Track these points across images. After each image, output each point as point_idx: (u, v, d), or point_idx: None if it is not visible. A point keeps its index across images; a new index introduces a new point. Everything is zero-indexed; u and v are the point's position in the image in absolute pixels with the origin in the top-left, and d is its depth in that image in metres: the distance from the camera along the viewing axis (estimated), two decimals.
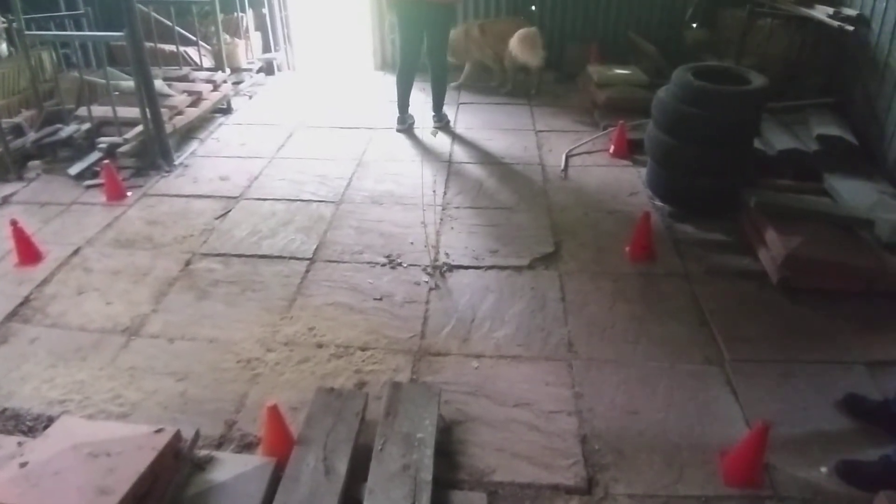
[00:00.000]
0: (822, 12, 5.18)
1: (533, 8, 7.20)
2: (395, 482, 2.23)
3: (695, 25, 7.00)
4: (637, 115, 5.45)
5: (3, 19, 6.13)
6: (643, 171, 4.79)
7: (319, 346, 3.13)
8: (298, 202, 4.54)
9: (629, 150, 5.17)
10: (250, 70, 7.27)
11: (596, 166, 5.05)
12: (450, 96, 6.67)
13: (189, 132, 5.73)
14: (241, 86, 6.94)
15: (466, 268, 3.73)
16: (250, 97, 6.84)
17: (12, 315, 3.42)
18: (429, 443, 2.38)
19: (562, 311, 3.36)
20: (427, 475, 2.25)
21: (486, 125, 5.95)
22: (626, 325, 3.26)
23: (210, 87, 6.05)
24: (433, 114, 5.88)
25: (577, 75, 6.97)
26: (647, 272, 3.69)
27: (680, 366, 2.99)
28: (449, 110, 6.25)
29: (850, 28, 4.87)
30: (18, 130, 5.32)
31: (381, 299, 3.47)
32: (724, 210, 4.18)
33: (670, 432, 2.63)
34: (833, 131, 4.72)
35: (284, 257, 3.88)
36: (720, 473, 2.45)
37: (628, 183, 4.75)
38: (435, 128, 5.82)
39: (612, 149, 5.23)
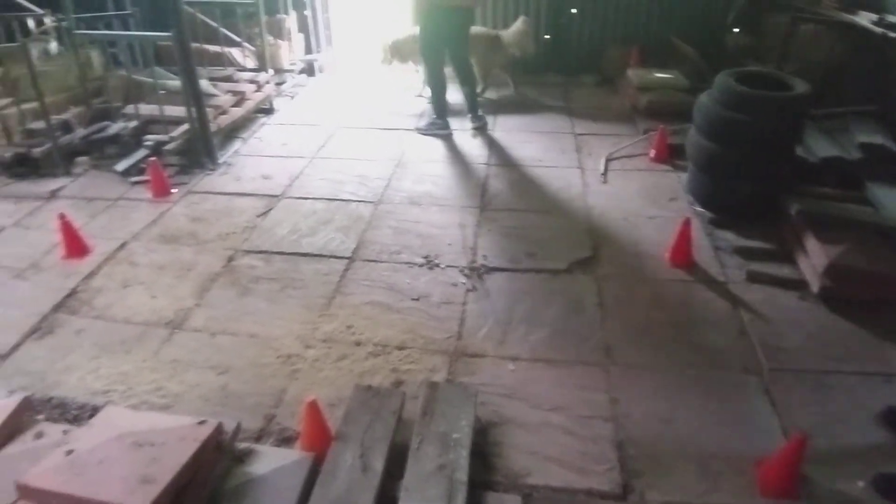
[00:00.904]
0: (865, 19, 5.06)
1: (573, 11, 7.16)
2: (430, 481, 2.25)
3: (736, 30, 6.90)
4: (678, 119, 5.39)
5: (54, 18, 6.34)
6: (684, 176, 4.74)
7: (357, 344, 3.17)
8: (338, 202, 4.59)
9: (670, 154, 5.11)
10: (292, 71, 7.38)
11: (636, 171, 5.01)
12: (487, 98, 6.71)
13: (232, 131, 5.84)
14: (284, 86, 7.05)
15: (503, 270, 3.73)
16: (292, 98, 6.94)
17: (59, 306, 3.53)
18: (465, 443, 2.39)
19: (599, 316, 3.34)
20: (463, 475, 2.26)
21: (524, 128, 5.94)
22: (664, 332, 3.22)
23: (253, 87, 6.16)
24: (470, 115, 5.90)
25: (616, 79, 6.92)
26: (686, 278, 3.65)
27: (718, 374, 2.95)
28: (487, 113, 6.27)
29: (894, 35, 4.75)
30: (67, 127, 5.49)
31: (418, 299, 3.49)
32: (765, 217, 4.11)
33: (706, 440, 2.60)
34: (876, 139, 4.60)
35: (324, 256, 3.93)
36: (756, 483, 2.41)
37: (668, 188, 4.69)
38: (474, 129, 5.83)
39: (652, 153, 5.18)
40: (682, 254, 3.75)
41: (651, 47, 7.08)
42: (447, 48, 5.58)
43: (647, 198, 4.56)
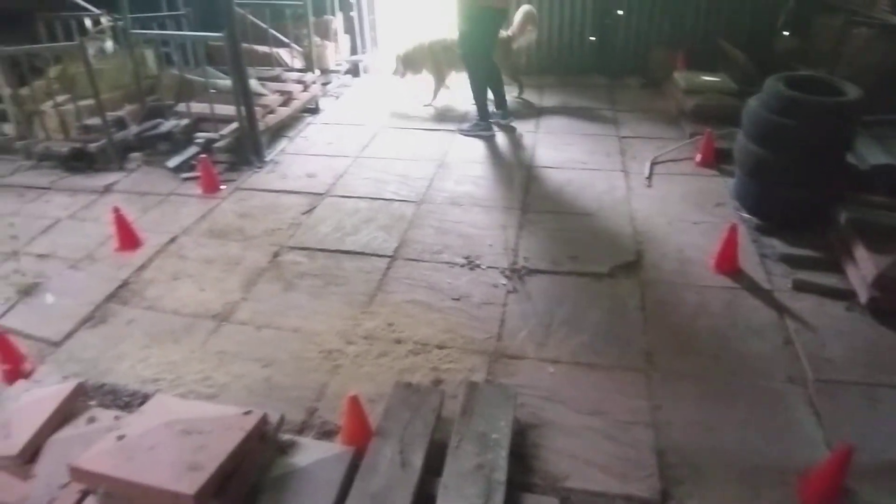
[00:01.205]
0: None
1: (619, 12, 7.10)
2: (469, 480, 2.26)
3: (786, 33, 6.74)
4: (725, 123, 5.31)
5: (110, 18, 6.55)
6: (730, 181, 4.66)
7: (398, 341, 3.20)
8: (381, 201, 4.64)
9: (716, 159, 5.03)
10: (338, 72, 7.49)
11: (681, 175, 4.94)
12: (532, 99, 6.70)
13: (279, 130, 5.96)
14: (329, 87, 7.16)
15: (545, 272, 3.73)
16: (337, 98, 7.03)
17: (112, 297, 3.66)
18: (504, 444, 2.40)
19: (641, 322, 3.31)
20: (501, 476, 2.27)
21: (567, 130, 5.92)
22: (708, 339, 3.18)
23: (300, 87, 6.27)
24: (500, 111, 5.94)
25: (662, 81, 6.84)
26: (731, 286, 3.58)
27: (762, 383, 2.90)
28: (530, 114, 6.28)
29: None
30: (121, 123, 5.68)
31: (458, 299, 3.51)
32: (813, 225, 4.01)
33: (748, 450, 2.56)
34: None
35: (366, 254, 3.98)
36: (797, 496, 2.36)
37: (714, 193, 4.62)
38: (504, 125, 5.87)
39: (698, 157, 5.10)
40: (728, 260, 3.69)
41: (698, 50, 6.97)
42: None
43: (693, 202, 4.50)
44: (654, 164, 5.09)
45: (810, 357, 3.02)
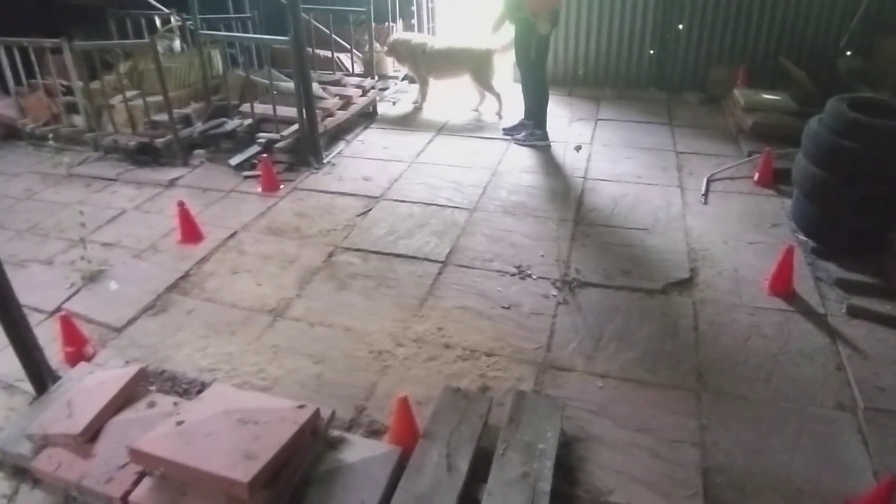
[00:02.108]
0: None
1: (680, 26, 7.02)
2: (514, 488, 2.27)
3: (849, 53, 6.56)
4: (784, 143, 5.21)
5: (179, 18, 6.79)
6: (788, 202, 4.57)
7: (447, 346, 3.24)
8: (434, 206, 4.70)
9: (774, 179, 4.93)
10: (396, 78, 7.60)
11: (738, 193, 4.86)
12: (588, 111, 6.68)
13: (337, 133, 6.08)
14: (387, 92, 7.26)
15: (597, 286, 3.71)
16: (394, 103, 7.13)
17: (173, 287, 3.80)
18: (550, 454, 2.40)
19: (693, 340, 3.27)
20: (546, 486, 2.28)
21: (624, 143, 5.88)
22: (760, 362, 3.13)
23: (359, 91, 6.38)
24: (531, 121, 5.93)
25: (721, 98, 6.73)
26: (784, 308, 3.52)
27: (811, 409, 2.85)
28: (586, 126, 6.26)
29: None
30: (187, 121, 5.87)
31: (508, 308, 3.52)
32: (871, 250, 3.90)
33: (795, 475, 2.52)
34: None
35: (419, 258, 4.03)
36: None
37: (771, 213, 4.53)
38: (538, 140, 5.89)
39: (756, 176, 5.01)
40: (783, 282, 3.62)
41: (759, 67, 6.87)
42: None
43: (749, 222, 4.42)
44: (710, 181, 5.02)
45: (861, 384, 2.95)
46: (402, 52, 6.65)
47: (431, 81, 6.78)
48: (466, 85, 6.66)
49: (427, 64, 6.57)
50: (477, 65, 6.36)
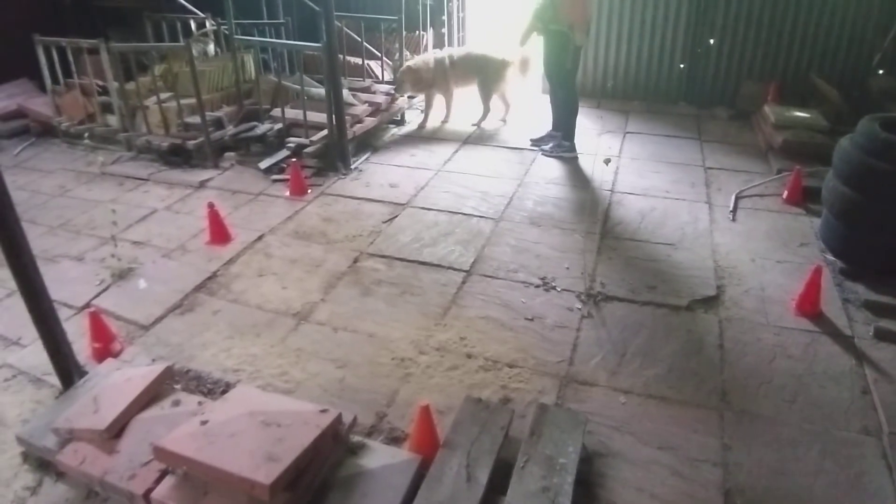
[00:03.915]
0: None
1: (711, 41, 6.98)
2: (533, 502, 2.26)
3: (881, 72, 6.47)
4: (814, 161, 5.16)
5: (214, 22, 6.90)
6: (817, 221, 4.51)
7: (469, 356, 3.23)
8: (460, 215, 4.71)
9: (803, 197, 4.87)
10: None
11: (767, 211, 4.80)
12: (617, 124, 6.66)
13: (366, 139, 6.13)
14: (415, 100, 7.29)
15: (622, 300, 3.69)
16: (422, 111, 7.14)
17: (200, 287, 3.84)
18: (570, 469, 2.38)
19: (718, 359, 3.23)
20: (566, 501, 2.26)
21: (653, 157, 5.85)
22: (784, 382, 3.08)
23: (388, 99, 6.42)
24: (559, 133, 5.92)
25: (751, 114, 6.68)
26: (811, 329, 3.46)
27: (835, 432, 2.79)
28: (615, 139, 6.23)
29: None
30: (219, 123, 5.96)
31: (532, 320, 3.52)
32: None
33: (817, 499, 2.47)
34: None
35: (443, 266, 4.04)
36: None
37: (799, 232, 4.47)
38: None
39: (785, 194, 4.95)
40: (810, 303, 3.57)
41: (790, 84, 6.80)
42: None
43: (777, 240, 4.37)
44: (739, 197, 4.97)
45: (887, 408, 2.89)
46: (425, 74, 6.43)
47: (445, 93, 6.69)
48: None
49: (454, 74, 6.49)
50: (488, 72, 6.36)
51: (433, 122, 6.77)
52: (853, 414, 2.90)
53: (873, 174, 3.76)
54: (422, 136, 6.40)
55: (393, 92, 6.58)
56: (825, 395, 3.01)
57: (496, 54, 6.40)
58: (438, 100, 6.74)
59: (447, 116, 6.81)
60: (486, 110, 6.59)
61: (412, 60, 6.50)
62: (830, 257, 4.12)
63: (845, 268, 3.97)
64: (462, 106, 6.86)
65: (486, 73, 6.39)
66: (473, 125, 6.61)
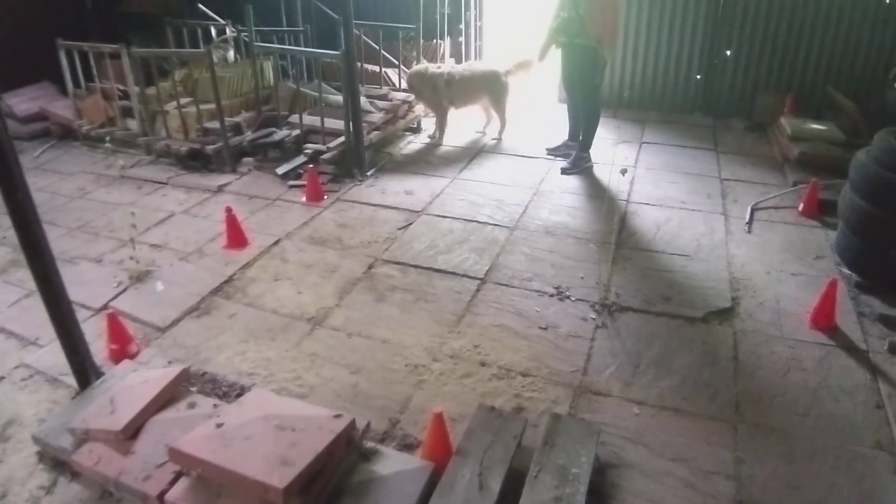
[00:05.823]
0: None
1: (728, 52, 6.96)
2: None
3: None
4: (831, 174, 5.13)
5: (234, 29, 6.97)
6: (832, 234, 4.47)
7: (482, 364, 3.24)
8: (475, 223, 4.72)
9: (820, 210, 4.84)
10: None
11: (782, 223, 4.77)
12: (633, 134, 6.65)
13: (382, 146, 6.16)
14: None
15: (636, 311, 3.68)
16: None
17: (217, 290, 3.88)
18: (583, 479, 2.38)
19: (732, 371, 3.22)
20: None
21: (668, 167, 5.83)
22: (798, 396, 3.06)
23: (405, 106, 6.45)
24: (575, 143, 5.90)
25: (768, 125, 6.65)
26: (825, 342, 3.44)
27: (849, 447, 2.77)
28: (631, 149, 6.23)
29: None
30: (238, 129, 6.02)
31: (546, 329, 3.51)
32: None
33: None
34: None
35: (457, 274, 4.05)
36: None
37: (815, 245, 4.44)
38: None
39: (801, 207, 4.92)
40: (825, 316, 3.54)
41: (806, 96, 6.76)
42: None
43: (793, 253, 4.34)
44: (754, 209, 4.94)
45: None
46: (417, 84, 6.30)
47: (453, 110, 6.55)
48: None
49: (450, 94, 6.29)
50: (496, 87, 6.31)
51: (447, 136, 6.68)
52: (867, 428, 2.87)
53: (890, 187, 3.73)
54: (437, 145, 6.42)
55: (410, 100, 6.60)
56: (839, 409, 2.98)
57: (499, 67, 6.37)
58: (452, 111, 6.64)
59: (439, 137, 6.55)
60: (503, 122, 6.56)
61: (417, 67, 6.42)
62: (846, 270, 4.09)
63: (861, 281, 3.95)
64: (468, 118, 6.87)
65: (494, 88, 6.32)
66: (494, 139, 6.55)
